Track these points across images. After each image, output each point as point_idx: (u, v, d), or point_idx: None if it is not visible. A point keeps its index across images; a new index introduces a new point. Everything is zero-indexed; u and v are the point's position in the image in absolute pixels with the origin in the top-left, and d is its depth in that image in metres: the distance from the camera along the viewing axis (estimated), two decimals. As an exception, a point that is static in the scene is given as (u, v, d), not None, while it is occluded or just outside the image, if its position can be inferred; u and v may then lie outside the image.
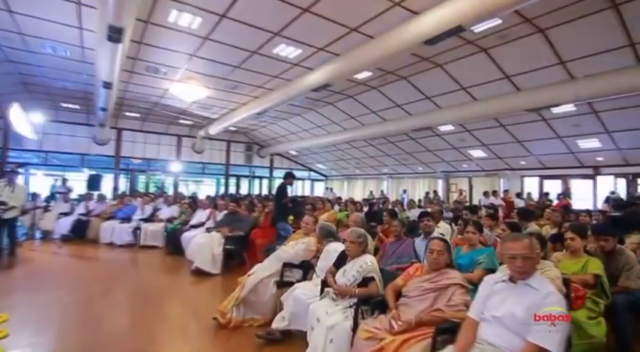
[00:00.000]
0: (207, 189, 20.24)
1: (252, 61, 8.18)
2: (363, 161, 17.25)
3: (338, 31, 6.67)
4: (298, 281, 3.38)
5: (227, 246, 5.26)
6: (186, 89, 9.88)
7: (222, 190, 18.22)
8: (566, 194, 11.25)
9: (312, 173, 21.72)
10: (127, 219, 7.94)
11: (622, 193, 10.61)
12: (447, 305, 2.07)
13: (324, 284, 2.75)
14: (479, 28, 6.32)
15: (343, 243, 2.95)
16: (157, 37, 7.09)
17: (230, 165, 18.38)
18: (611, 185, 10.92)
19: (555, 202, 10.90)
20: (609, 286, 2.72)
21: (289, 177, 6.09)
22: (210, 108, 12.73)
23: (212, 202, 7.48)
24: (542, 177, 12.68)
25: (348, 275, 2.61)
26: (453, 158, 13.82)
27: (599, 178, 11.19)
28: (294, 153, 18.99)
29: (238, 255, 5.82)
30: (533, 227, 4.36)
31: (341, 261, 2.79)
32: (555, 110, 8.62)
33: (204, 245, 5.27)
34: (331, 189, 19.49)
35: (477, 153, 12.67)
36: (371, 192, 17.90)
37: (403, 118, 11.13)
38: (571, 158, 11.07)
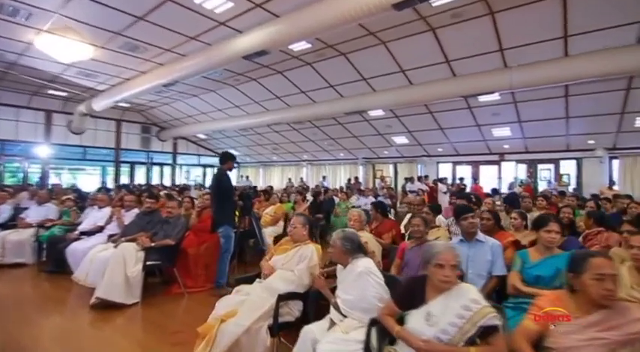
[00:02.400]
0: (89, 179, 16.48)
1: (164, 12, 6.27)
2: (283, 146, 16.11)
3: (286, -20, 5.40)
4: (298, 320, 2.23)
5: (149, 262, 3.66)
6: (60, 45, 7.24)
7: (109, 180, 14.98)
8: (476, 179, 12.16)
9: (223, 159, 19.64)
10: (-31, 226, 5.36)
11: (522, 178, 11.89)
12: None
13: (382, 333, 1.67)
14: (438, 2, 5.84)
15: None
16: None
17: (121, 149, 15.23)
18: (513, 170, 12.14)
19: (470, 186, 11.71)
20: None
21: (228, 160, 4.31)
22: (96, 76, 9.92)
23: (110, 196, 5.50)
24: (455, 163, 13.52)
25: (442, 322, 1.58)
26: (375, 144, 13.74)
27: (503, 164, 12.34)
28: (202, 136, 16.72)
29: (162, 272, 4.24)
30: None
31: (409, 295, 1.73)
32: (482, 98, 8.88)
33: (111, 262, 3.57)
34: (247, 177, 17.90)
35: (400, 139, 12.77)
36: (290, 180, 17.00)
37: (335, 101, 10.38)
38: (482, 145, 11.89)
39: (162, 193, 7.21)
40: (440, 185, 11.08)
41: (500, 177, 12.37)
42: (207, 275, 4.21)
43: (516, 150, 11.69)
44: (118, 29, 6.98)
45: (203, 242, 4.30)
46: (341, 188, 11.34)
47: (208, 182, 17.45)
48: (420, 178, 11.65)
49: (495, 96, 8.62)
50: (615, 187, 9.83)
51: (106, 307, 3.46)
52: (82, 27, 6.81)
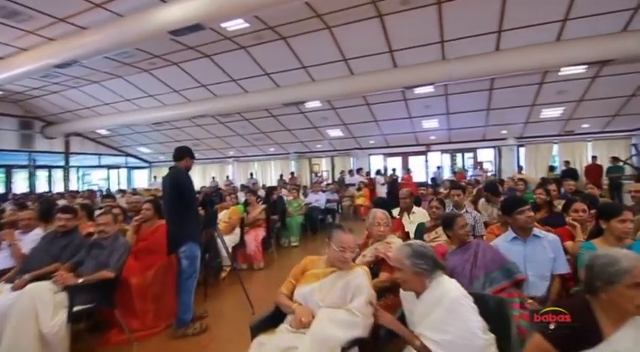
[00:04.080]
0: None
1: (59, -35, 4.77)
2: (205, 142, 14.56)
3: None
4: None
5: (78, 307, 2.52)
6: None
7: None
8: (409, 169, 12.63)
9: (131, 159, 17.05)
10: None
11: (446, 167, 12.72)
12: None
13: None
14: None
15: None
16: None
17: (-9, 150, 12.01)
18: (438, 160, 12.90)
19: (401, 176, 12.07)
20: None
21: (186, 156, 3.38)
22: (-50, 52, 7.41)
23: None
24: (386, 155, 13.85)
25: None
26: (308, 138, 13.28)
27: (429, 154, 13.03)
28: (104, 132, 14.14)
29: (90, 314, 3.07)
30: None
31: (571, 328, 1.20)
32: (417, 90, 9.03)
33: (13, 316, 2.35)
34: (161, 178, 15.82)
35: (335, 132, 12.53)
36: (213, 179, 15.57)
37: (270, 90, 9.58)
38: (411, 137, 12.35)
39: (62, 203, 5.59)
40: (377, 177, 11.16)
41: (427, 167, 13.04)
42: (159, 311, 3.18)
43: (441, 141, 12.42)
44: (-14, -15, 5.15)
45: (149, 266, 3.24)
46: (279, 185, 10.62)
47: (115, 186, 15.00)
48: (358, 171, 11.58)
49: (430, 89, 8.83)
50: (523, 172, 11.08)
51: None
52: None
